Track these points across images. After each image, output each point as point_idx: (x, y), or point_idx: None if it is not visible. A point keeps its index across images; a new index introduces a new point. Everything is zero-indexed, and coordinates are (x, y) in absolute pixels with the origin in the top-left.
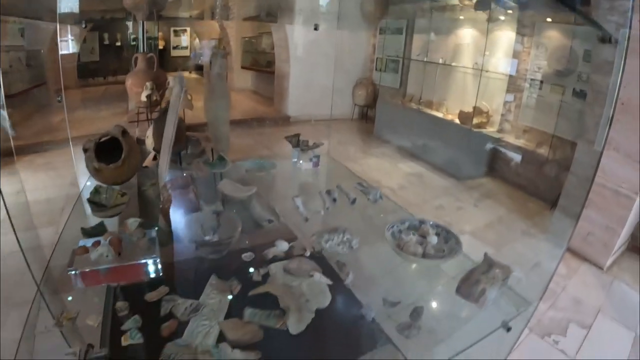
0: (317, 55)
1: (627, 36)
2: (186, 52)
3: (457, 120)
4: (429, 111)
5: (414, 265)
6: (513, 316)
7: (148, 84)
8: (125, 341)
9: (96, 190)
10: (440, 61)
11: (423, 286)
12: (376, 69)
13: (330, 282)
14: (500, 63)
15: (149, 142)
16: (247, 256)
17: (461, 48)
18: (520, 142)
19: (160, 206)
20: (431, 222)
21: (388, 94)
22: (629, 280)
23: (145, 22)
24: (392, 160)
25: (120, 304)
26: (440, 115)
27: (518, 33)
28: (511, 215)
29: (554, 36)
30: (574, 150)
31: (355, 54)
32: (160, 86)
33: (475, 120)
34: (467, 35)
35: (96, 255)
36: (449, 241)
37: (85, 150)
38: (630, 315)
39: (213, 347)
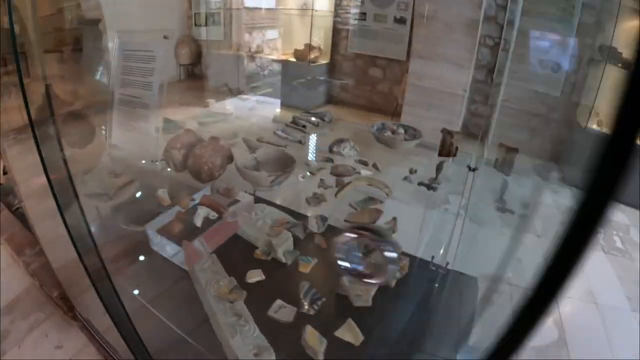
0: (134, 20)
1: None
2: None
3: (292, 59)
4: (262, 55)
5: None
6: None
7: None
8: (304, 269)
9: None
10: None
11: (420, 159)
12: (195, 25)
13: (370, 173)
14: (324, 2)
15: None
16: (302, 176)
17: None
18: (352, 67)
19: (191, 164)
20: (390, 122)
21: (214, 47)
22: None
23: None
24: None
25: (259, 252)
26: (274, 57)
27: None
28: (363, 128)
29: None
30: (401, 67)
31: (171, 12)
32: None
33: (310, 55)
34: None
35: (201, 218)
36: (408, 130)
37: None
38: None
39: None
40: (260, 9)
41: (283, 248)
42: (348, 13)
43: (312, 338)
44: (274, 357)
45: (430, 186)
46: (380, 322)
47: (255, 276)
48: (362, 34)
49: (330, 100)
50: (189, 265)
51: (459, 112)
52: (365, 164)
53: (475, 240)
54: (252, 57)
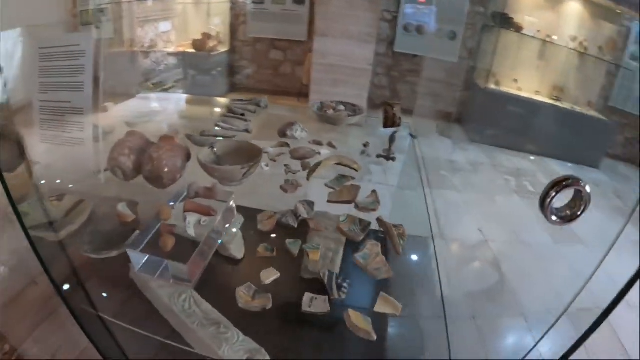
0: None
1: None
2: None
3: (191, 50)
4: (157, 50)
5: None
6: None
7: None
8: (315, 256)
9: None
10: None
11: (360, 133)
12: (82, 23)
13: (329, 152)
14: None
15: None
16: (266, 164)
17: None
18: (253, 53)
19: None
20: (328, 101)
21: (106, 46)
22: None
23: None
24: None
25: (262, 247)
26: (171, 50)
27: None
28: (274, 112)
29: None
30: (303, 48)
31: (50, 13)
32: None
33: (210, 44)
34: None
35: (192, 227)
36: (347, 106)
37: None
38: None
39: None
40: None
41: (234, 245)
42: None
43: (359, 319)
44: (268, 358)
45: (388, 157)
46: (405, 289)
47: (271, 275)
48: (260, 17)
49: (234, 88)
50: (192, 279)
51: (365, 85)
52: (319, 143)
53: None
54: (146, 53)
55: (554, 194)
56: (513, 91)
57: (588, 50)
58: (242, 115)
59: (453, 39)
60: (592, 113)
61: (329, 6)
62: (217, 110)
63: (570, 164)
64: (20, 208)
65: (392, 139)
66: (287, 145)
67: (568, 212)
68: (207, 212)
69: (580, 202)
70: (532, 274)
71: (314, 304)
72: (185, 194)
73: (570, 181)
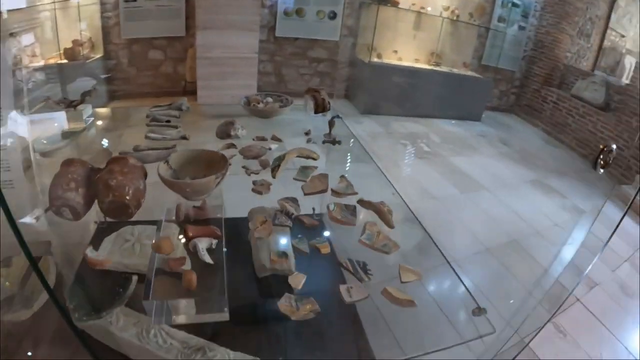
0: None
1: None
2: None
3: (63, 60)
4: (23, 66)
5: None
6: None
7: None
8: (325, 249)
9: None
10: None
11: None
12: None
13: (277, 145)
14: None
15: None
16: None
17: None
18: (129, 55)
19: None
20: (252, 95)
21: None
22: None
23: None
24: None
25: (274, 257)
26: (39, 64)
27: None
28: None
29: None
30: (183, 44)
31: None
32: None
33: (82, 51)
34: None
35: (206, 253)
36: (273, 97)
37: None
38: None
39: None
40: (11, 10)
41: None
42: None
43: (399, 293)
44: None
45: (334, 142)
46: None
47: (301, 279)
48: (133, 16)
49: (114, 95)
50: None
51: (253, 74)
52: (263, 139)
53: None
54: (11, 71)
55: (600, 156)
56: (394, 62)
57: (460, 17)
58: (168, 122)
59: (333, 18)
60: (469, 73)
61: None
62: None
63: (455, 121)
64: None
65: (331, 123)
66: (234, 146)
67: (603, 163)
68: (214, 233)
69: (610, 154)
70: (449, 224)
71: (353, 293)
72: (162, 220)
73: (606, 147)
